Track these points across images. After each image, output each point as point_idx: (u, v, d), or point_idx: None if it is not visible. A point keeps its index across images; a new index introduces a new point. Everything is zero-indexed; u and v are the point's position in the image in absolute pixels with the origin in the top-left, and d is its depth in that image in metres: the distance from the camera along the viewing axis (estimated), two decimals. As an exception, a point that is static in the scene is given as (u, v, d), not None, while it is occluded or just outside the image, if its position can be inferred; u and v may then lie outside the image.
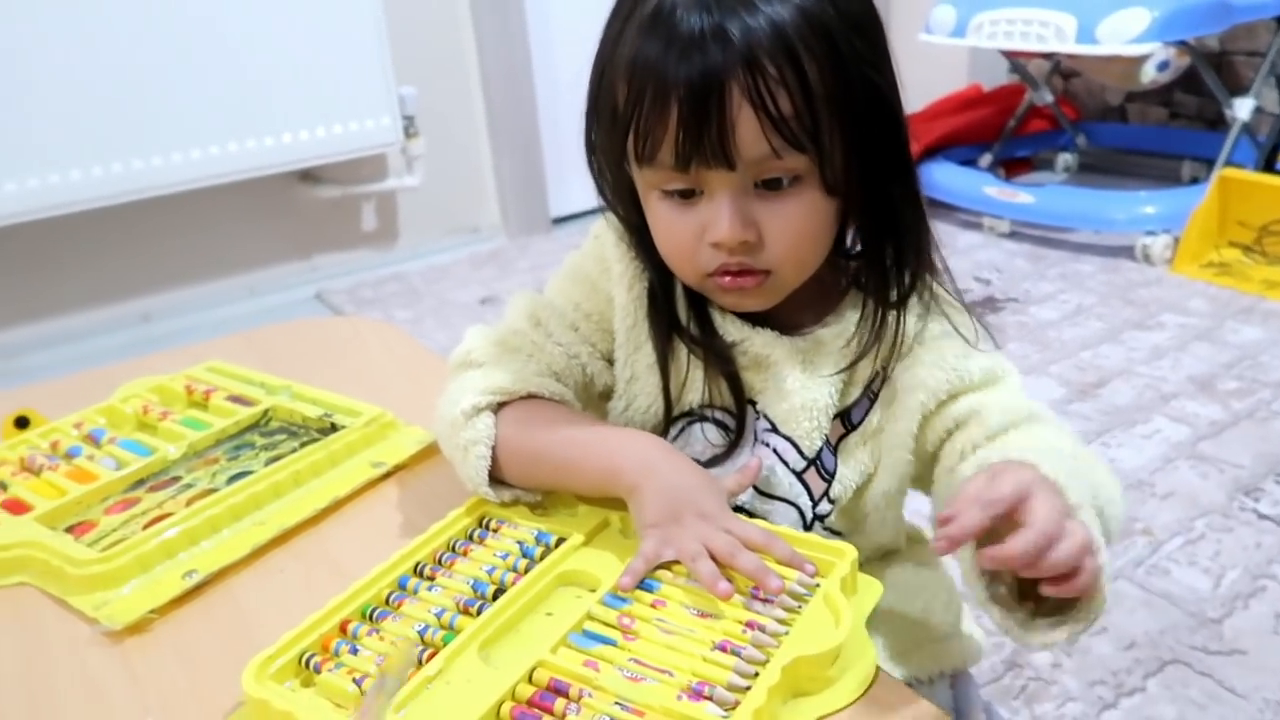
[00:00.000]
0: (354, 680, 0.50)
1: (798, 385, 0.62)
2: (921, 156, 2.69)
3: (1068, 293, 2.15)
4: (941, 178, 2.61)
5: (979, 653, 0.71)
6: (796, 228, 0.57)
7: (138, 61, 1.99)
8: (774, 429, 0.64)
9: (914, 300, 0.63)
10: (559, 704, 0.47)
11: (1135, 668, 1.10)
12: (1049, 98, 2.65)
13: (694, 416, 0.66)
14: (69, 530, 0.67)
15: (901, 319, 0.62)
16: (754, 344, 0.64)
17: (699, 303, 0.65)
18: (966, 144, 2.77)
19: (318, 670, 0.52)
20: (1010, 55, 2.60)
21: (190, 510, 0.66)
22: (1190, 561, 1.26)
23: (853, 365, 0.62)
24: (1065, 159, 2.91)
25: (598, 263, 0.68)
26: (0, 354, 2.12)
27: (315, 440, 0.76)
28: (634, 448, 0.60)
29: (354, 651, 0.53)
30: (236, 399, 0.83)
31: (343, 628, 0.55)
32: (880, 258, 0.62)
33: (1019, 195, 2.45)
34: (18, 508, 0.69)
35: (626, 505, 0.60)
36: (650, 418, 0.67)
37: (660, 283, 0.65)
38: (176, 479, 0.73)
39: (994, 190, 2.50)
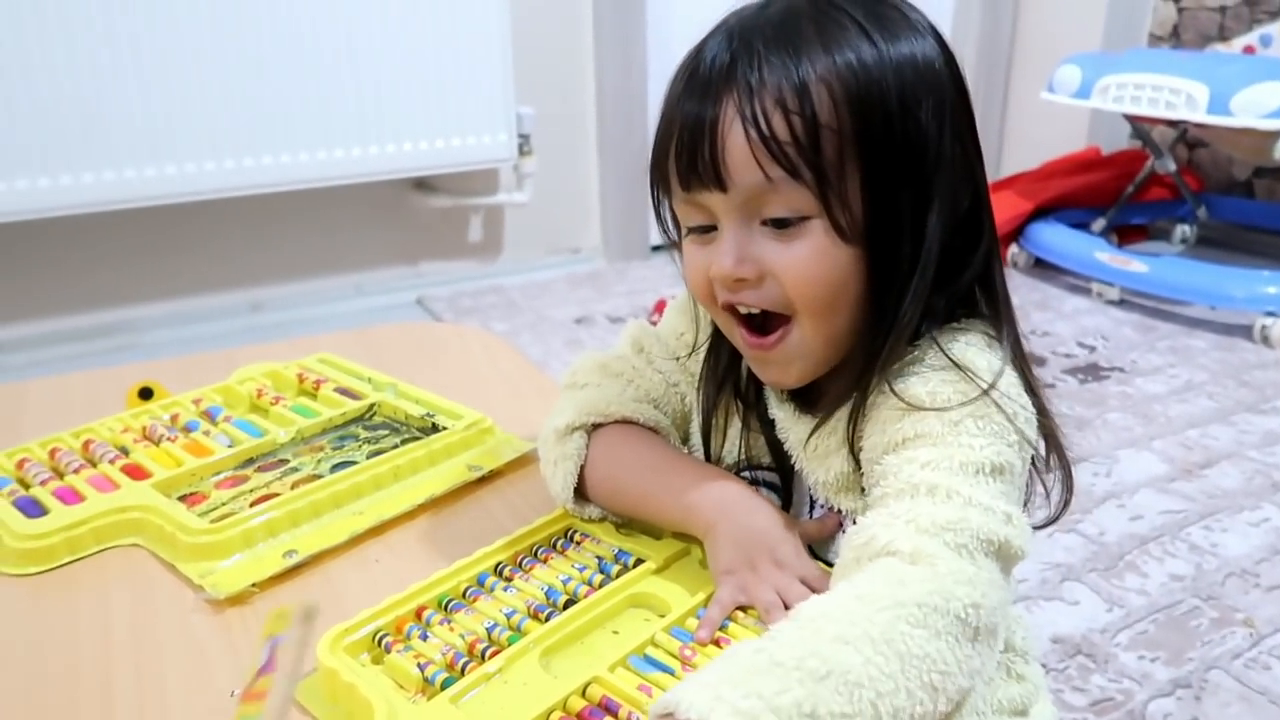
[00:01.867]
0: (418, 664, 0.51)
1: (820, 466, 0.60)
2: (1032, 216, 2.64)
3: (1177, 367, 2.08)
4: (1051, 239, 2.55)
5: None
6: (801, 269, 0.54)
7: (273, 65, 2.09)
8: (829, 502, 0.62)
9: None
10: None
11: (1226, 765, 1.04)
12: (1172, 166, 2.57)
13: (745, 479, 0.66)
14: (182, 499, 0.70)
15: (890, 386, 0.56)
16: (776, 412, 0.63)
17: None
18: (1080, 207, 2.70)
19: (388, 650, 0.54)
20: (1134, 120, 2.54)
21: (295, 493, 0.69)
22: (1292, 660, 1.20)
23: (851, 439, 0.58)
24: (1183, 230, 2.82)
25: None
26: (126, 329, 2.24)
27: (416, 438, 0.78)
28: (712, 487, 0.60)
29: (424, 637, 0.54)
30: (344, 391, 0.86)
31: (418, 613, 0.56)
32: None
33: (1132, 263, 2.37)
34: (137, 473, 0.73)
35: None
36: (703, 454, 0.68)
37: (722, 338, 0.64)
38: (284, 461, 0.76)
39: (1106, 256, 2.43)
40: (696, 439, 0.68)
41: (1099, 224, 2.65)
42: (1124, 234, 2.76)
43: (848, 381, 0.58)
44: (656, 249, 2.85)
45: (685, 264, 0.59)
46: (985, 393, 0.52)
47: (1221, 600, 1.31)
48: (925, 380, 0.54)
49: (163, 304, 2.28)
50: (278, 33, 2.07)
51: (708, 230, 0.56)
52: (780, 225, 0.54)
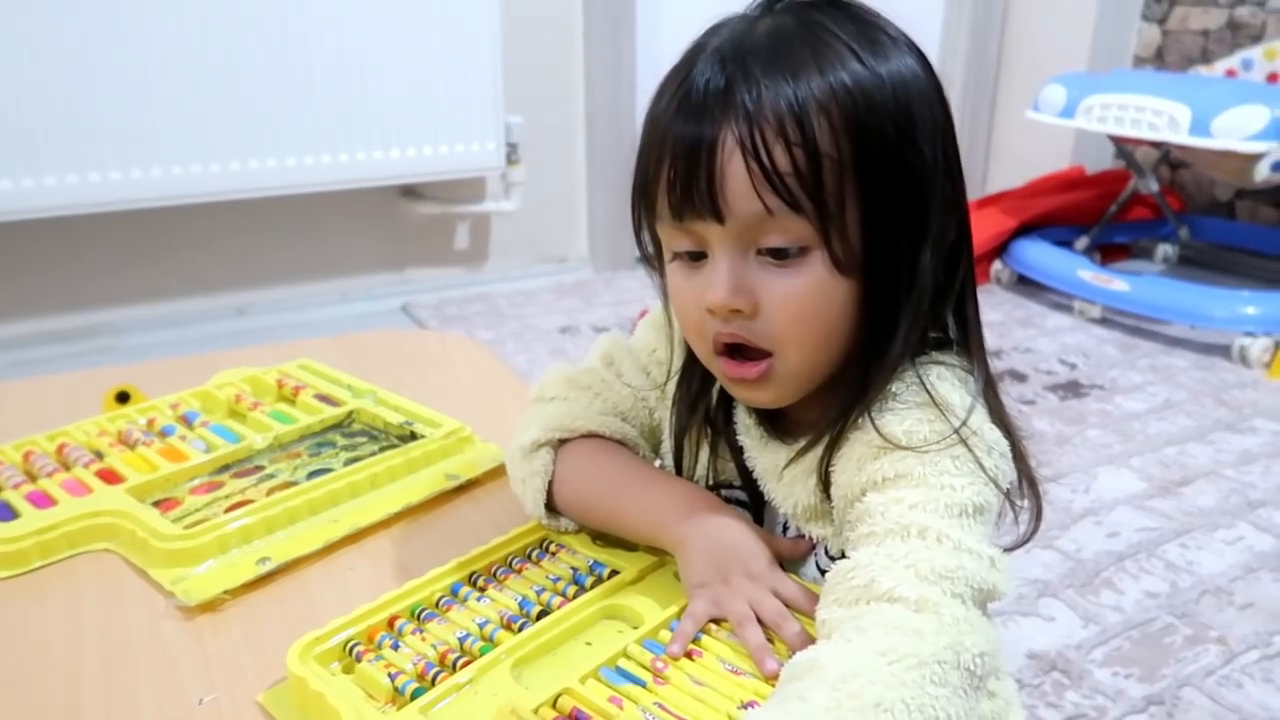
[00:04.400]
0: (389, 675, 0.51)
1: (788, 496, 0.60)
2: (1016, 234, 2.66)
3: (1157, 385, 2.09)
4: (1035, 256, 2.57)
5: None
6: (798, 303, 0.53)
7: (262, 70, 2.09)
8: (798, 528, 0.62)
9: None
10: None
11: (1196, 782, 1.05)
12: (1154, 186, 2.59)
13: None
14: (156, 505, 0.70)
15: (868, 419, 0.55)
16: (745, 439, 0.63)
17: (726, 394, 0.64)
18: (1063, 225, 2.73)
19: (359, 659, 0.54)
20: (1118, 141, 2.56)
21: (270, 500, 0.69)
22: (1265, 678, 1.20)
23: (819, 467, 0.57)
24: (1165, 250, 2.84)
25: None
26: (107, 331, 2.22)
27: (394, 446, 0.78)
28: (681, 500, 0.60)
29: (395, 647, 0.54)
30: (323, 398, 0.86)
31: (390, 622, 0.56)
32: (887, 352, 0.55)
33: (1114, 282, 2.39)
34: (112, 478, 0.72)
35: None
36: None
37: (694, 364, 0.63)
38: (260, 468, 0.76)
39: (1088, 274, 2.45)
40: (669, 457, 0.68)
41: (1082, 242, 2.68)
42: (1107, 252, 2.79)
43: (821, 410, 0.58)
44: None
45: (673, 292, 0.58)
46: (957, 432, 0.52)
47: (1196, 618, 1.32)
48: (901, 418, 0.54)
49: (147, 307, 2.27)
50: (267, 38, 2.07)
51: (697, 257, 0.55)
52: (778, 255, 0.53)
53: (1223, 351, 2.23)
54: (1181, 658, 1.24)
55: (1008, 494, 0.55)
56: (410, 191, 2.47)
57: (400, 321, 2.44)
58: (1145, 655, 1.24)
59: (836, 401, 0.57)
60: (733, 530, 0.57)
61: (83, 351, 2.16)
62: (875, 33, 0.54)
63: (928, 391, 0.54)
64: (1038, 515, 0.59)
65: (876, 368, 0.55)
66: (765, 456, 0.61)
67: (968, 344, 0.58)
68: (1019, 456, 0.57)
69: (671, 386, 0.67)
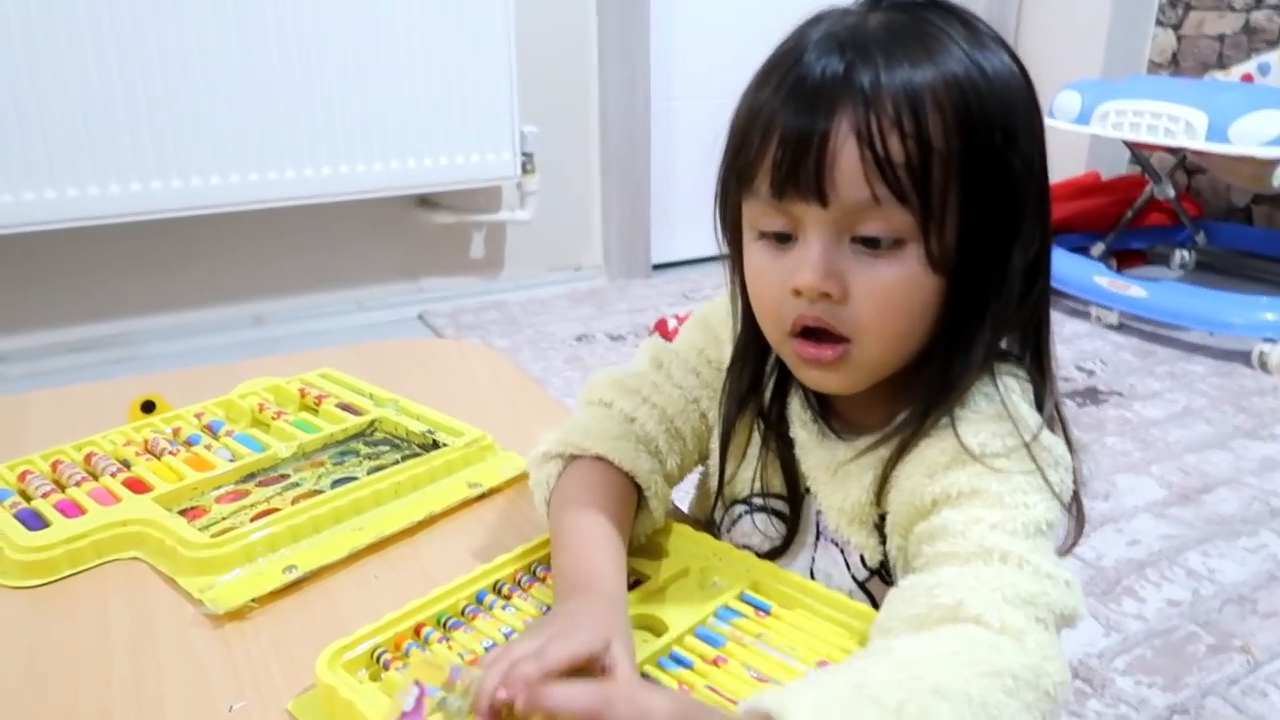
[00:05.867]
0: (415, 682, 0.51)
1: (838, 493, 0.60)
2: (1032, 239, 2.64)
3: (1176, 392, 2.08)
4: (1051, 263, 2.56)
5: None
6: (887, 295, 0.53)
7: (279, 81, 2.10)
8: (837, 531, 0.62)
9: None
10: None
11: (1222, 792, 1.04)
12: (1170, 192, 2.58)
13: (750, 506, 0.66)
14: (183, 513, 0.70)
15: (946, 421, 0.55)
16: (799, 432, 0.62)
17: (782, 385, 0.64)
18: (1079, 231, 2.72)
19: (386, 667, 0.54)
20: (1134, 147, 2.55)
21: (295, 509, 0.69)
22: (1289, 688, 1.20)
23: (886, 473, 0.57)
24: (1182, 256, 2.83)
25: (724, 312, 0.67)
26: (128, 340, 2.24)
27: (417, 455, 0.78)
28: (569, 579, 0.56)
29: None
30: (346, 407, 0.87)
31: (417, 630, 0.56)
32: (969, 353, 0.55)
33: (1131, 288, 2.38)
34: (139, 486, 0.73)
35: (703, 559, 0.62)
36: (716, 480, 0.68)
37: (754, 345, 0.63)
38: (285, 476, 0.76)
39: (1105, 280, 2.44)
40: (715, 457, 0.68)
41: (1098, 249, 2.67)
42: (1123, 259, 2.77)
43: (888, 410, 0.58)
44: (658, 267, 2.86)
45: (755, 271, 0.57)
46: (1028, 446, 0.53)
47: (1219, 626, 1.31)
48: (976, 430, 0.54)
49: (165, 316, 2.29)
50: (284, 49, 2.09)
51: (784, 239, 0.55)
52: (870, 244, 0.53)
53: (1242, 358, 2.22)
54: (1205, 666, 1.23)
55: (1067, 507, 0.55)
56: (426, 201, 2.49)
57: (416, 330, 2.45)
58: (1168, 664, 1.23)
59: (907, 402, 0.57)
60: (575, 614, 0.51)
61: (102, 361, 2.18)
62: (981, 35, 0.55)
63: (1001, 401, 0.54)
64: (1080, 526, 0.59)
65: (959, 370, 0.55)
66: (820, 453, 0.61)
67: (1039, 357, 0.59)
68: (1074, 470, 0.57)
69: (717, 379, 0.67)
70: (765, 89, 0.55)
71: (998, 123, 0.53)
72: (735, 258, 0.61)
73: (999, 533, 0.50)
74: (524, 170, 2.46)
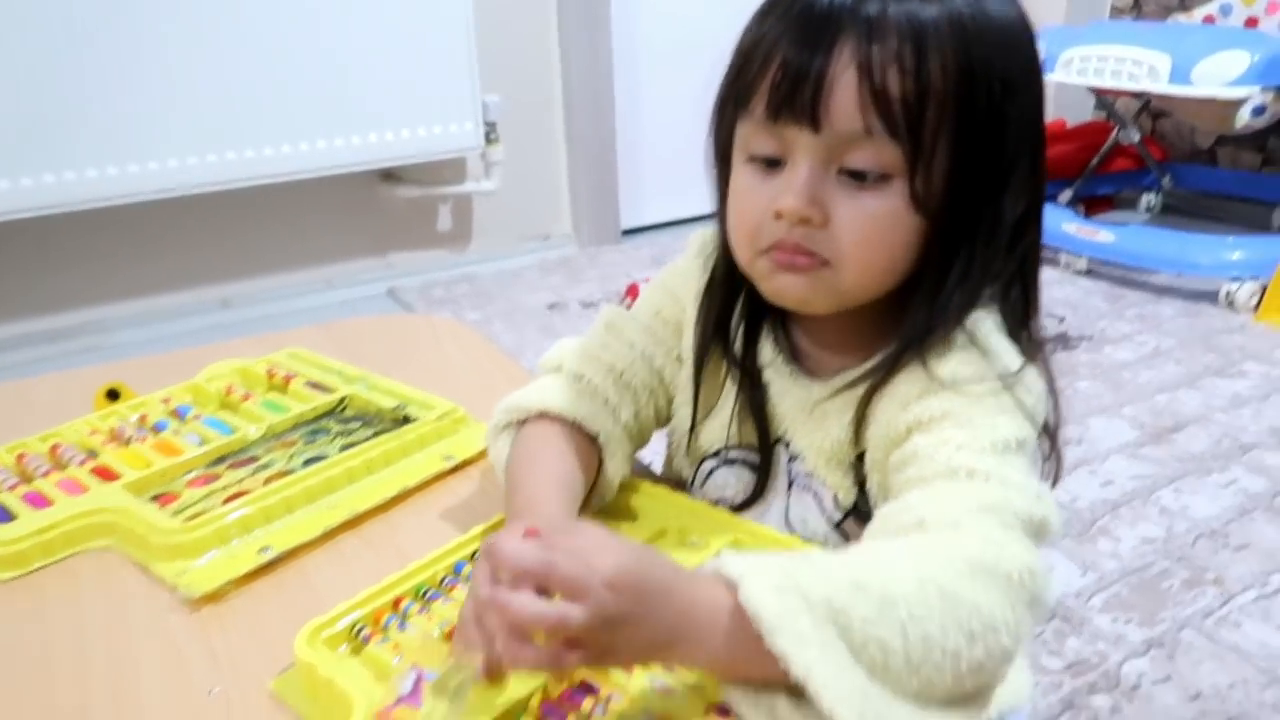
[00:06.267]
0: (414, 666, 0.51)
1: (816, 432, 0.61)
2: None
3: (1145, 334, 2.10)
4: (1019, 211, 2.57)
5: (1022, 697, 0.68)
6: (868, 227, 0.54)
7: (235, 59, 2.06)
8: (813, 474, 0.62)
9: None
10: (587, 703, 0.48)
11: (1199, 721, 1.06)
12: (1136, 137, 2.59)
13: (721, 459, 0.66)
14: (154, 499, 0.70)
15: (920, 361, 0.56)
16: (772, 375, 0.63)
17: (753, 324, 0.64)
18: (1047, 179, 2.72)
19: (366, 641, 0.54)
20: (1099, 93, 2.56)
21: (267, 489, 0.69)
22: (1263, 617, 1.22)
23: (858, 406, 0.58)
24: (1149, 199, 2.85)
25: (681, 274, 0.69)
26: (92, 330, 2.21)
27: (389, 430, 0.78)
28: (519, 504, 0.57)
29: (402, 628, 0.54)
30: (315, 385, 0.86)
31: (395, 604, 0.56)
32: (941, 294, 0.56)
33: (1099, 233, 2.40)
34: (107, 475, 0.72)
35: (679, 519, 0.62)
36: (685, 438, 0.68)
37: (728, 278, 0.63)
38: (255, 458, 0.76)
39: (1073, 227, 2.45)
40: (684, 409, 0.68)
41: (1066, 196, 2.68)
42: (1091, 205, 2.79)
43: (864, 348, 0.58)
44: (628, 233, 2.85)
45: (739, 192, 0.58)
46: (1001, 377, 0.54)
47: (1192, 561, 1.33)
48: (946, 360, 0.55)
49: (130, 303, 2.25)
50: (239, 27, 2.04)
51: (773, 164, 0.55)
52: (858, 177, 0.53)
53: (1210, 298, 2.24)
54: (1180, 601, 1.25)
55: (1044, 431, 0.56)
56: (390, 175, 2.46)
57: (386, 306, 2.43)
58: (1143, 600, 1.26)
59: (884, 342, 0.57)
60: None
61: (66, 352, 2.15)
62: None
63: (977, 338, 0.55)
64: (1058, 467, 0.60)
65: (939, 314, 0.55)
66: (796, 393, 0.61)
67: (1026, 303, 0.59)
68: (1053, 410, 0.58)
69: (670, 335, 0.67)
70: (772, 15, 0.55)
71: (998, 71, 0.53)
72: (723, 182, 0.61)
73: (965, 451, 0.51)
74: (488, 140, 2.43)
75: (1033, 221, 0.58)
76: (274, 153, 2.14)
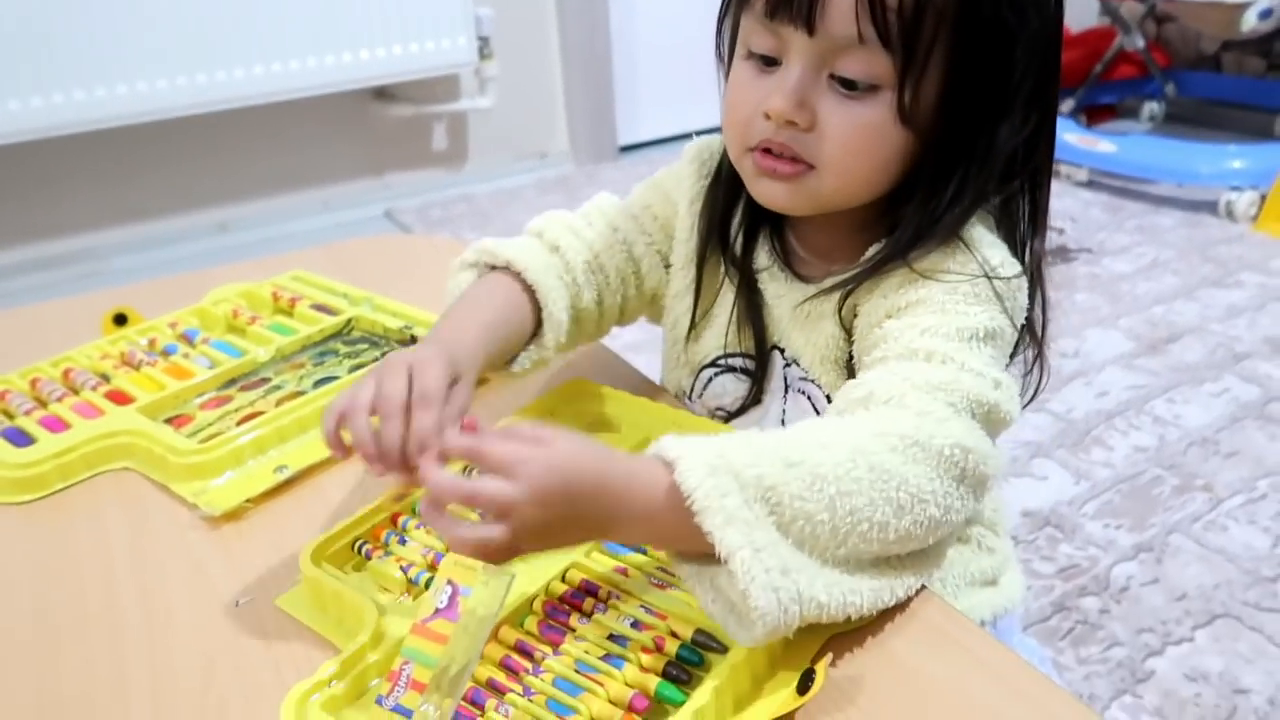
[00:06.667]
0: (400, 568, 0.53)
1: (809, 334, 0.62)
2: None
3: (1144, 246, 2.10)
4: (1020, 122, 2.54)
5: (1014, 601, 0.70)
6: (852, 136, 0.54)
7: (221, -27, 2.01)
8: (808, 377, 0.64)
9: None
10: (588, 603, 0.51)
11: (1184, 619, 1.10)
12: (1140, 43, 2.55)
13: (719, 367, 0.68)
14: (168, 422, 0.71)
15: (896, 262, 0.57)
16: (767, 280, 0.64)
17: (751, 229, 0.65)
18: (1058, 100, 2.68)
19: (368, 557, 0.56)
20: (1103, -4, 2.50)
21: (280, 410, 0.70)
22: (1250, 520, 1.25)
23: (841, 301, 0.59)
24: (1151, 108, 2.81)
25: (675, 176, 0.69)
26: (89, 255, 2.21)
27: (396, 350, 0.79)
28: (440, 326, 0.60)
29: (402, 542, 0.57)
30: (320, 308, 0.86)
31: (394, 519, 0.58)
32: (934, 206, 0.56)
33: (1100, 143, 2.38)
34: (121, 398, 0.73)
35: (668, 428, 0.62)
36: (683, 345, 0.69)
37: (733, 175, 0.63)
38: (265, 380, 0.77)
39: (1074, 137, 2.43)
40: (675, 301, 0.69)
41: (1068, 105, 2.64)
42: (1093, 114, 2.75)
43: (856, 250, 0.59)
44: (625, 149, 2.82)
45: (735, 86, 0.58)
46: (986, 276, 0.54)
47: (1184, 468, 1.36)
48: (930, 255, 0.56)
49: (127, 229, 2.24)
50: (220, -61, 1.99)
51: (770, 62, 0.56)
52: (848, 85, 0.53)
53: (1209, 208, 2.23)
54: (1169, 506, 1.29)
55: (1023, 330, 0.57)
56: (383, 94, 2.42)
57: (384, 228, 2.42)
58: (1134, 507, 1.29)
59: (872, 245, 0.58)
60: (427, 347, 0.55)
61: (66, 278, 2.14)
62: None
63: (963, 238, 0.56)
64: (1041, 379, 0.62)
65: (928, 229, 0.56)
66: (790, 296, 0.63)
67: (1032, 222, 0.59)
68: (1044, 316, 0.60)
69: (655, 226, 0.69)
70: None
71: None
72: (729, 75, 0.61)
73: (929, 335, 0.53)
74: (481, 56, 2.38)
75: (1042, 142, 0.58)
76: (264, 71, 2.11)
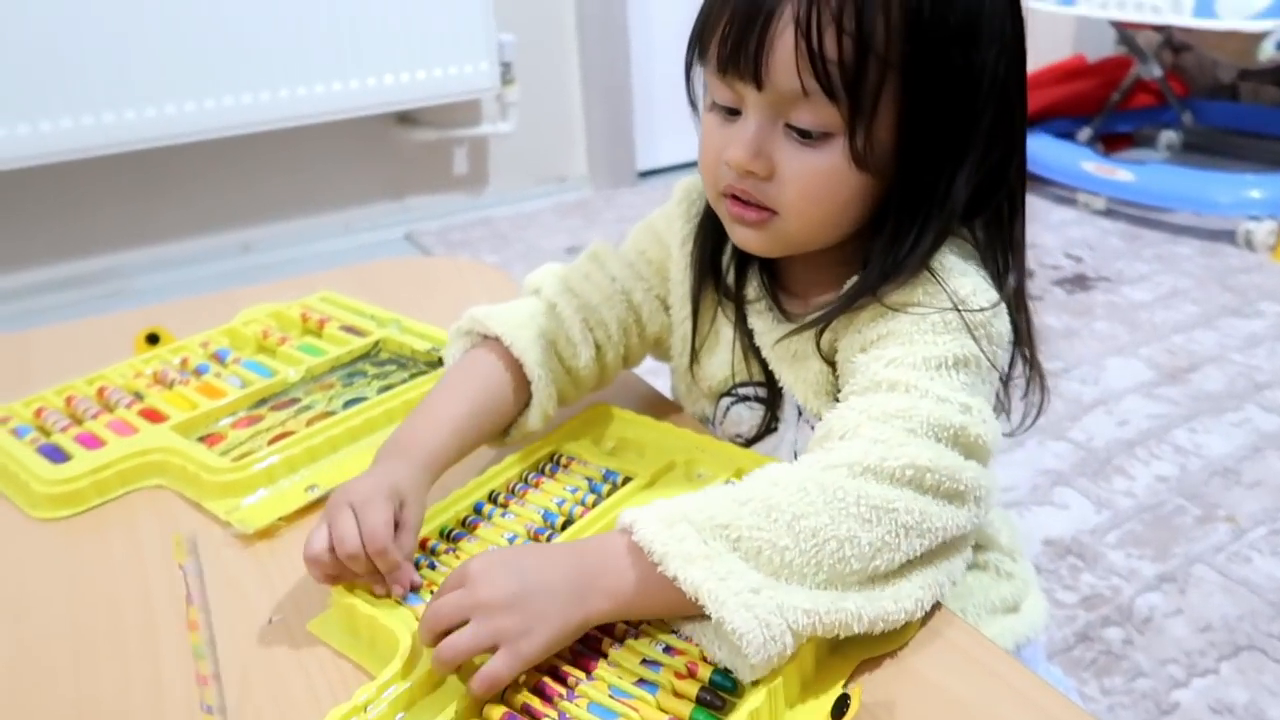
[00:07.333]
0: (433, 592, 0.54)
1: (798, 370, 0.63)
2: (1018, 127, 2.62)
3: (1163, 274, 2.10)
4: (1037, 150, 2.55)
5: (1037, 628, 0.70)
6: (808, 181, 0.55)
7: (252, 2, 2.05)
8: (804, 410, 0.64)
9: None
10: (619, 627, 0.51)
11: (1209, 650, 1.09)
12: (1157, 72, 2.55)
13: (735, 396, 0.68)
14: (200, 440, 0.72)
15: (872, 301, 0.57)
16: (754, 316, 0.65)
17: (742, 264, 0.66)
18: (1065, 116, 2.69)
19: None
20: (1120, 26, 2.51)
21: (311, 430, 0.71)
22: (1274, 551, 1.24)
23: (818, 334, 0.60)
24: (1169, 137, 2.81)
25: (666, 218, 0.71)
26: (116, 274, 2.23)
27: (424, 373, 0.80)
28: (393, 440, 0.61)
29: (432, 567, 0.57)
30: (349, 329, 0.88)
31: (423, 544, 0.58)
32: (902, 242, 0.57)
33: (1118, 172, 2.38)
34: (155, 416, 0.74)
35: (687, 452, 0.65)
36: (688, 376, 0.70)
37: (714, 219, 0.64)
38: (296, 400, 0.78)
39: (1092, 166, 2.43)
40: (681, 337, 0.70)
41: (1085, 133, 2.65)
42: (1110, 142, 2.76)
43: (834, 285, 0.59)
44: (644, 175, 2.83)
45: (703, 134, 0.60)
46: (956, 308, 0.54)
47: (1205, 498, 1.35)
48: (901, 289, 0.56)
49: (151, 249, 2.27)
50: (249, -34, 2.03)
51: (733, 112, 0.57)
52: (803, 134, 0.54)
53: (1228, 237, 2.23)
54: (1192, 537, 1.28)
55: (1013, 355, 0.58)
56: (406, 118, 2.45)
57: (404, 250, 2.44)
58: (1157, 536, 1.28)
59: (849, 286, 0.58)
60: (370, 479, 0.57)
61: (91, 297, 2.17)
62: None
63: (932, 269, 0.56)
64: (1041, 403, 0.62)
65: (895, 267, 0.56)
66: (775, 331, 0.63)
67: (1005, 247, 0.60)
68: (1030, 340, 0.60)
69: (652, 273, 0.70)
70: None
71: (955, 30, 0.52)
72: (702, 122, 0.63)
73: (894, 366, 0.53)
74: (504, 81, 2.41)
75: (1011, 171, 0.58)
76: (289, 95, 2.13)
